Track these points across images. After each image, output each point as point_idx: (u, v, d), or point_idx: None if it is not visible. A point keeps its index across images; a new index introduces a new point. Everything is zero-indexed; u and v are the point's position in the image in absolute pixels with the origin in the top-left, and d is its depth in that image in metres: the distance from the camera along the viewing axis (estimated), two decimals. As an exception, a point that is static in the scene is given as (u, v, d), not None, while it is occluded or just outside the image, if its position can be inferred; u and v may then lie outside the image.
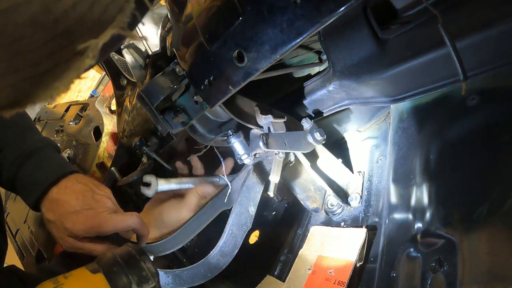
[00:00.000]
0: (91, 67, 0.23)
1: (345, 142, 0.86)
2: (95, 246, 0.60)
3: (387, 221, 0.64)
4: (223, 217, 0.73)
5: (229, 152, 0.77)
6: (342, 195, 0.76)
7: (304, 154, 0.71)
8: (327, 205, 0.78)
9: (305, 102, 0.75)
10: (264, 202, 0.71)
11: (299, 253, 0.77)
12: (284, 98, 0.80)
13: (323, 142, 0.67)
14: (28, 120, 0.75)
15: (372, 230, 0.67)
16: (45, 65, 0.22)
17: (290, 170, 0.76)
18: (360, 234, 0.65)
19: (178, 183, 0.78)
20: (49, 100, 0.25)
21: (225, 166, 0.75)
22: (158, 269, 0.59)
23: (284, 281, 0.76)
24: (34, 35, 0.19)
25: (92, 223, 0.58)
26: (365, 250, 0.64)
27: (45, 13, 0.18)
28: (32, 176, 0.62)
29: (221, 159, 0.75)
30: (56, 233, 0.61)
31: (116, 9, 0.21)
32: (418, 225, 0.56)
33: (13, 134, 0.66)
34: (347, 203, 0.75)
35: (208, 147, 0.77)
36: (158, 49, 0.70)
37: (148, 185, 0.80)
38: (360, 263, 0.63)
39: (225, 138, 0.76)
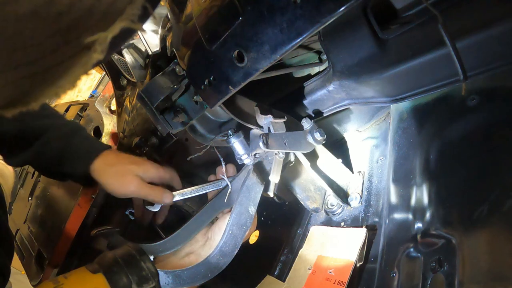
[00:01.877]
0: (99, 62, 0.21)
1: (345, 142, 0.86)
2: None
3: (387, 221, 0.64)
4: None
5: (230, 154, 0.77)
6: (342, 195, 0.76)
7: (304, 154, 0.71)
8: (327, 205, 0.78)
9: (305, 102, 0.75)
10: (264, 202, 0.70)
11: (299, 253, 0.77)
12: (284, 98, 0.80)
13: (323, 142, 0.67)
14: (54, 110, 0.88)
15: (372, 230, 0.67)
16: (49, 61, 0.20)
17: (290, 170, 0.76)
18: (360, 234, 0.65)
19: (180, 194, 0.78)
20: (54, 98, 0.23)
21: (227, 171, 0.75)
22: (158, 269, 0.59)
23: (284, 281, 0.76)
24: (36, 28, 0.18)
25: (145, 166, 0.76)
26: (365, 250, 0.64)
27: (49, 5, 0.17)
28: (81, 148, 0.76)
29: (221, 159, 0.75)
30: (118, 180, 0.74)
31: (126, 1, 0.19)
32: (418, 225, 0.56)
33: (50, 120, 0.79)
34: (347, 203, 0.75)
35: (208, 147, 0.77)
36: (158, 49, 0.70)
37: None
38: (360, 263, 0.63)
39: (225, 138, 0.76)
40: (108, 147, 0.80)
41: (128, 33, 0.20)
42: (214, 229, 0.71)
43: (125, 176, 0.74)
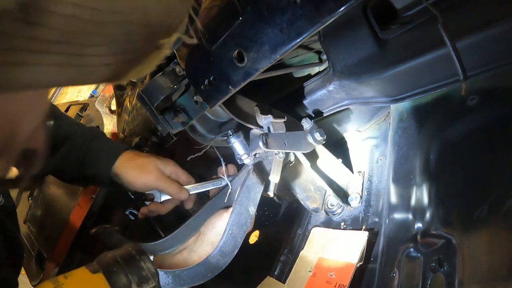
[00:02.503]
0: (166, 57, 0.32)
1: (345, 142, 0.86)
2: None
3: (387, 221, 0.64)
4: None
5: (230, 155, 0.77)
6: (342, 195, 0.76)
7: (304, 154, 0.71)
8: (327, 205, 0.78)
9: (305, 102, 0.75)
10: (264, 202, 0.70)
11: (300, 254, 0.77)
12: (284, 98, 0.80)
13: (323, 142, 0.67)
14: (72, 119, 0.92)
15: (373, 232, 0.67)
16: (139, 52, 0.29)
17: (290, 170, 0.76)
18: (361, 237, 0.65)
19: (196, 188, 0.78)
20: (135, 77, 0.33)
21: (227, 170, 0.75)
22: (158, 269, 0.59)
23: (284, 282, 0.76)
24: (138, 30, 0.27)
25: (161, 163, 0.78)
26: (365, 250, 0.64)
27: (145, 17, 0.27)
28: (103, 151, 0.79)
29: (221, 159, 0.75)
30: (139, 171, 0.77)
31: (179, 20, 0.31)
32: (418, 225, 0.56)
33: (71, 127, 0.83)
34: (347, 203, 0.75)
35: (208, 147, 0.77)
36: (158, 49, 0.69)
37: (150, 198, 0.80)
38: (361, 263, 0.63)
39: (225, 138, 0.76)
40: (128, 147, 0.82)
41: (179, 40, 0.32)
42: (207, 224, 0.71)
43: (145, 167, 0.76)
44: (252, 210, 0.66)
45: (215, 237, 0.67)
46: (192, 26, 0.35)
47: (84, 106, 1.49)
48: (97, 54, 0.26)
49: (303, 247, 0.77)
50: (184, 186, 0.79)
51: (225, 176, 0.73)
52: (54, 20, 0.22)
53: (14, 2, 0.19)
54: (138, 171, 0.76)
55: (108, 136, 1.17)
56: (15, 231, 0.72)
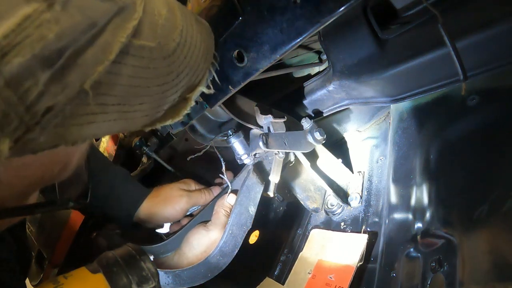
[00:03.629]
0: (190, 107, 0.40)
1: (345, 142, 0.86)
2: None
3: (387, 221, 0.64)
4: None
5: (230, 154, 0.77)
6: (342, 195, 0.76)
7: (304, 154, 0.71)
8: (327, 205, 0.78)
9: (305, 102, 0.74)
10: (264, 202, 0.70)
11: (299, 255, 0.77)
12: (284, 98, 0.80)
13: (323, 142, 0.67)
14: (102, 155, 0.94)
15: (373, 233, 0.67)
16: (172, 103, 0.37)
17: (290, 170, 0.76)
18: (361, 240, 0.65)
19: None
20: (167, 123, 0.39)
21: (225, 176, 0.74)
22: (158, 269, 0.59)
23: (283, 283, 0.76)
24: (172, 89, 0.35)
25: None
26: (365, 251, 0.64)
27: (174, 77, 0.36)
28: (126, 197, 0.77)
29: (221, 159, 0.75)
30: (167, 203, 0.76)
31: (201, 79, 0.40)
32: (418, 225, 0.56)
33: (100, 163, 0.80)
34: (347, 203, 0.75)
35: (208, 147, 0.77)
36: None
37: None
38: (360, 263, 0.63)
39: (225, 138, 0.76)
40: (150, 190, 0.80)
41: (202, 91, 0.41)
42: (185, 239, 0.71)
43: (172, 195, 0.76)
44: (252, 210, 0.66)
45: (191, 253, 0.67)
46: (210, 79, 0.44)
47: (84, 106, 1.48)
48: (141, 110, 0.32)
49: (303, 247, 0.77)
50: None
51: (225, 176, 0.73)
52: (115, 89, 0.28)
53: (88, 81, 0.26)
54: (169, 203, 0.75)
55: (108, 136, 1.17)
56: (25, 239, 0.72)
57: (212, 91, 0.44)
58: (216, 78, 0.49)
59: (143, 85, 0.31)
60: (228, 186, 0.73)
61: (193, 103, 0.40)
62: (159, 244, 0.69)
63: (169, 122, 0.39)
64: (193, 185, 0.78)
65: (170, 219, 0.76)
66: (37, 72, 0.23)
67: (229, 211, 0.69)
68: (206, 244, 0.66)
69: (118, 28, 0.27)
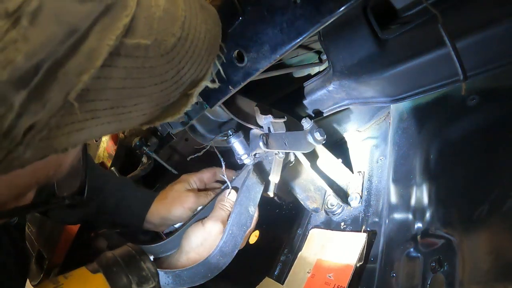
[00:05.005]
0: (192, 104, 0.37)
1: (345, 142, 0.86)
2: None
3: (387, 221, 0.64)
4: None
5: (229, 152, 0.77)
6: (342, 195, 0.76)
7: (304, 154, 0.71)
8: (327, 205, 0.78)
9: (305, 102, 0.75)
10: (265, 202, 0.70)
11: (299, 255, 0.77)
12: (284, 98, 0.80)
13: (323, 142, 0.67)
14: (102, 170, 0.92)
15: (372, 232, 0.67)
16: (172, 100, 0.35)
17: (290, 170, 0.76)
18: (360, 239, 0.65)
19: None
20: (166, 120, 0.38)
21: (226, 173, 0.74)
22: (158, 269, 0.59)
23: (283, 283, 0.76)
24: (171, 87, 0.33)
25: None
26: (364, 252, 0.64)
27: (177, 83, 0.34)
28: (135, 202, 0.77)
29: (221, 159, 0.75)
30: (176, 202, 0.75)
31: (204, 74, 0.37)
32: (418, 225, 0.56)
33: (106, 177, 0.80)
34: (347, 203, 0.75)
35: (208, 147, 0.77)
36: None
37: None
38: (360, 263, 0.63)
39: (225, 138, 0.76)
40: (157, 194, 0.80)
41: (204, 86, 0.38)
42: (184, 235, 0.70)
43: (181, 196, 0.75)
44: (252, 210, 0.66)
45: (188, 247, 0.67)
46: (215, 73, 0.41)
47: (84, 106, 1.48)
48: (138, 110, 0.31)
49: (303, 247, 0.77)
50: (199, 207, 0.77)
51: (225, 176, 0.73)
52: (105, 94, 0.26)
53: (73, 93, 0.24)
54: (178, 203, 0.75)
55: (108, 136, 1.17)
56: (23, 242, 0.72)
57: (217, 85, 0.41)
58: (222, 72, 0.46)
59: (138, 86, 0.29)
60: (228, 185, 0.73)
61: (195, 100, 0.37)
62: (159, 244, 0.69)
63: (169, 120, 0.36)
64: (192, 181, 0.78)
65: (181, 218, 0.75)
66: (9, 96, 0.21)
67: (227, 206, 0.69)
68: (202, 237, 0.66)
69: (105, 30, 0.24)
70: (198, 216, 0.73)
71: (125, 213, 0.77)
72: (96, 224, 0.82)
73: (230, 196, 0.70)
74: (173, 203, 0.75)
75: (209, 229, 0.66)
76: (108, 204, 0.77)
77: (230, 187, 0.72)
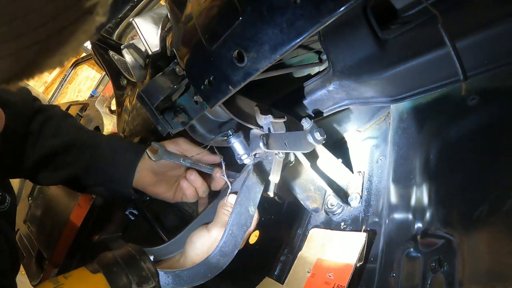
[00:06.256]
0: (103, 26, 0.21)
1: (345, 142, 0.86)
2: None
3: (387, 221, 0.64)
4: None
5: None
6: (342, 195, 0.76)
7: (304, 154, 0.71)
8: (327, 205, 0.78)
9: (305, 102, 0.74)
10: (264, 202, 0.70)
11: (299, 255, 0.77)
12: (284, 98, 0.80)
13: (323, 142, 0.67)
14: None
15: (372, 232, 0.67)
16: (50, 27, 0.19)
17: (290, 170, 0.76)
18: (360, 238, 0.65)
19: (187, 161, 0.77)
20: (58, 66, 0.23)
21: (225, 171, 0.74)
22: (158, 269, 0.59)
23: (283, 283, 0.76)
24: None
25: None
26: (364, 251, 0.64)
27: None
28: (122, 160, 0.78)
29: (221, 159, 0.75)
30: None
31: None
32: (418, 225, 0.56)
33: (93, 137, 0.81)
34: (347, 203, 0.75)
35: (208, 147, 0.77)
36: (158, 49, 0.69)
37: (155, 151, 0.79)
38: (360, 263, 0.63)
39: (225, 138, 0.76)
40: (145, 147, 0.80)
41: None
42: (188, 240, 0.70)
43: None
44: (252, 210, 0.66)
45: (193, 253, 0.67)
46: None
47: (84, 106, 1.49)
48: None
49: (303, 247, 0.77)
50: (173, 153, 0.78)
51: (225, 177, 0.73)
52: None
53: None
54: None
55: (108, 136, 1.17)
56: (13, 237, 0.72)
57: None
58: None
59: None
60: (228, 186, 0.73)
61: (104, 19, 0.21)
62: (161, 246, 0.69)
63: (57, 65, 0.21)
64: (182, 143, 0.79)
65: (175, 173, 0.78)
66: None
67: (230, 210, 0.68)
68: (208, 243, 0.66)
69: None
70: (199, 220, 0.73)
71: (118, 163, 0.78)
72: (83, 183, 0.81)
73: (232, 200, 0.70)
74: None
75: (215, 236, 0.66)
76: (99, 158, 0.78)
77: (230, 188, 0.72)
